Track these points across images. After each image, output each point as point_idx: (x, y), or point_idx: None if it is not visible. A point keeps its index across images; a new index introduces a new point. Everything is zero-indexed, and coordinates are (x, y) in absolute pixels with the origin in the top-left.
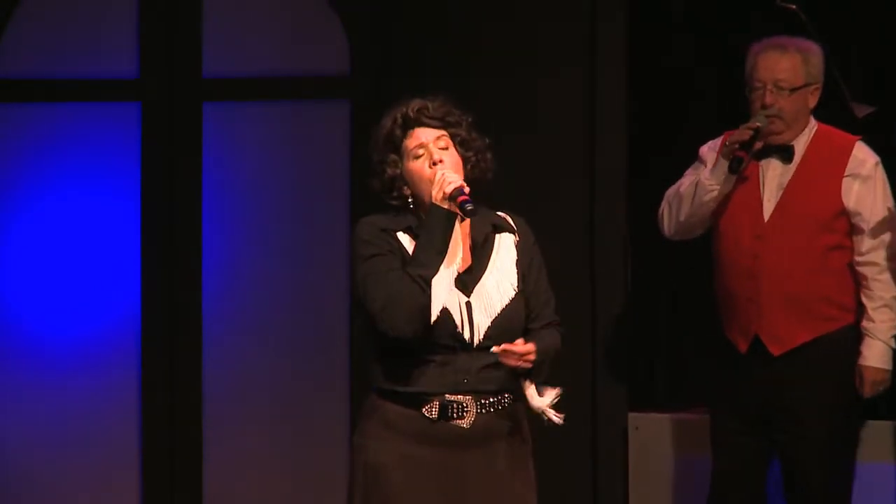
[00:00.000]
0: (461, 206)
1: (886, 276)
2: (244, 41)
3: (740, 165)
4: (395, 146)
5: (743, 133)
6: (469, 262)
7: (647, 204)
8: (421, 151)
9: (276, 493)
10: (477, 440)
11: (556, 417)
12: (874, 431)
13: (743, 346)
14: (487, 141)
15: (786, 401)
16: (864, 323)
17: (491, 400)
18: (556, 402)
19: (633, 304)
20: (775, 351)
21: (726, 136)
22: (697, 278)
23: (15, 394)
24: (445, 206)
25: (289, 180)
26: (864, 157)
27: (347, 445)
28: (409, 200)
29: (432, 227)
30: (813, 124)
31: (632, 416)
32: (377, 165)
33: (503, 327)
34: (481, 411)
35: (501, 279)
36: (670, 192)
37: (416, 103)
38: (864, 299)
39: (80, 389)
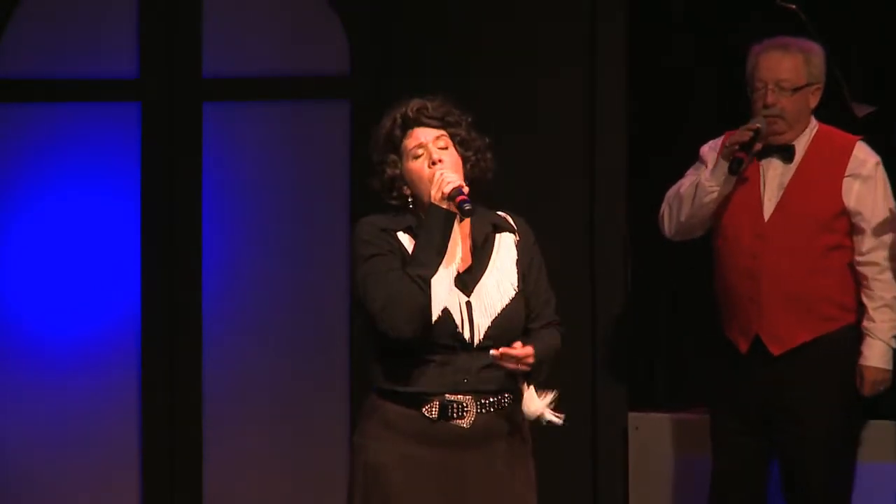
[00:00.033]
0: (459, 205)
1: (887, 275)
2: (244, 41)
3: (740, 167)
4: (395, 146)
5: (743, 134)
6: (469, 261)
7: (647, 204)
8: (420, 151)
9: (276, 493)
10: (477, 440)
11: (555, 418)
12: (876, 431)
13: (743, 346)
14: (487, 141)
15: (786, 401)
16: (865, 323)
17: (491, 400)
18: (554, 404)
19: (633, 304)
20: (775, 351)
21: (727, 136)
22: (697, 278)
23: (15, 394)
24: (444, 206)
25: (289, 180)
26: (864, 157)
27: (347, 445)
28: (409, 200)
29: (431, 226)
30: (814, 124)
31: (632, 416)
32: (377, 165)
33: (503, 327)
34: (481, 411)
35: (501, 279)
36: (671, 192)
37: (415, 103)
38: (864, 299)
39: (80, 389)
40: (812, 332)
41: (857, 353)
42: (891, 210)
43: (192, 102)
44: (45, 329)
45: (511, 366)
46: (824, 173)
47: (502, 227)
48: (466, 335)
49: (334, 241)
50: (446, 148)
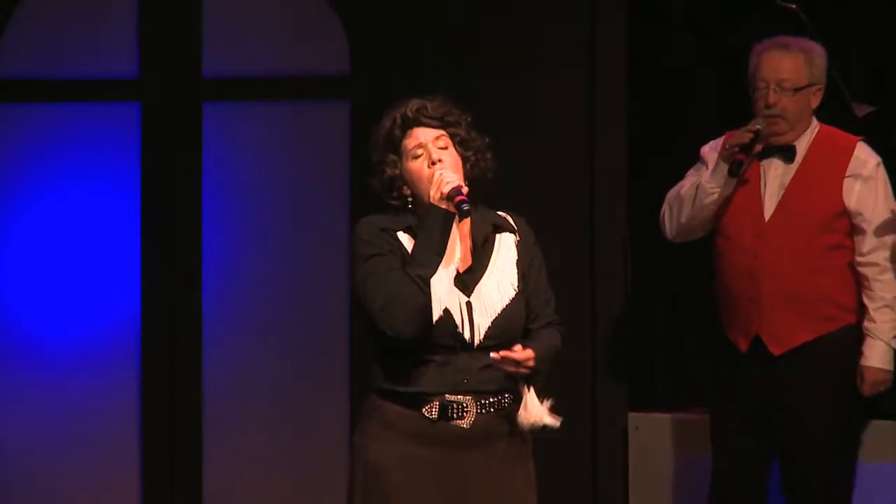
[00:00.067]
0: (458, 206)
1: (887, 276)
2: (244, 41)
3: (740, 169)
4: (395, 146)
5: (743, 136)
6: (469, 261)
7: (647, 204)
8: (420, 151)
9: (276, 493)
10: (477, 440)
11: (554, 421)
12: (876, 431)
13: (743, 346)
14: (487, 140)
15: (786, 401)
16: (866, 323)
17: (491, 400)
18: (552, 406)
19: (633, 304)
20: (776, 351)
21: (728, 137)
22: (697, 278)
23: (15, 394)
24: (443, 206)
25: (289, 180)
26: (865, 157)
27: (347, 445)
28: (409, 200)
29: (430, 226)
30: (815, 125)
31: (632, 416)
32: (377, 165)
33: (503, 327)
34: (481, 411)
35: (502, 279)
36: (671, 194)
37: (415, 103)
38: (865, 300)
39: (80, 389)
40: (812, 332)
41: (858, 353)
42: (892, 211)
43: (192, 102)
44: (45, 329)
45: (511, 369)
46: (825, 174)
47: (503, 227)
48: (466, 335)
49: (334, 241)
50: (446, 148)
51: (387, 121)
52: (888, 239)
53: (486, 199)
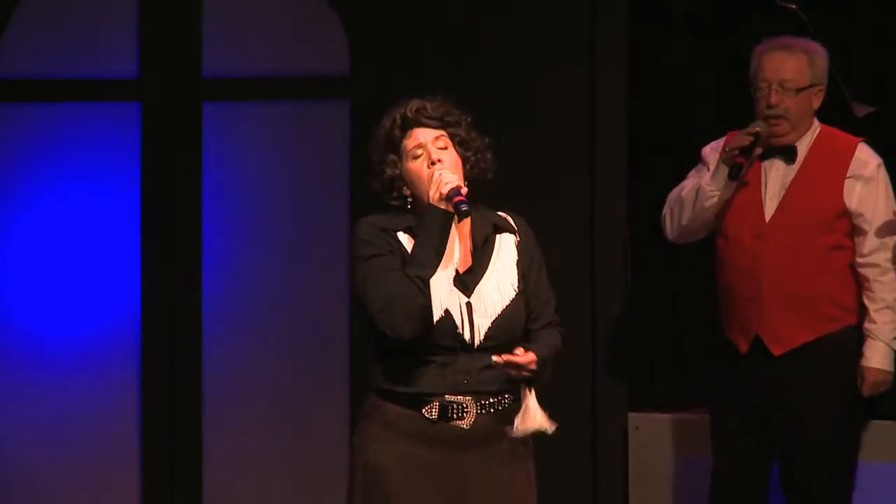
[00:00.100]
0: (456, 206)
1: (888, 277)
2: (244, 41)
3: (740, 172)
4: (395, 146)
5: (743, 139)
6: (469, 262)
7: (647, 204)
8: (420, 151)
9: (276, 493)
10: (477, 441)
11: (550, 426)
12: (876, 431)
13: (743, 346)
14: (487, 140)
15: (786, 401)
16: (866, 324)
17: (491, 401)
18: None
19: (633, 304)
20: (776, 351)
21: (729, 137)
22: (697, 278)
23: (15, 394)
24: (442, 207)
25: (289, 180)
26: (866, 158)
27: (347, 445)
28: (409, 200)
29: (429, 227)
30: (816, 126)
31: (632, 416)
32: (377, 166)
33: (503, 328)
34: (481, 412)
35: (502, 280)
36: (672, 195)
37: (414, 103)
38: (865, 300)
39: (80, 389)
40: (813, 332)
41: (858, 353)
42: (893, 212)
43: (192, 102)
44: (45, 329)
45: (514, 373)
46: (826, 174)
47: (503, 227)
48: (467, 336)
49: (334, 241)
50: (446, 148)
51: (387, 121)
52: (889, 240)
53: (486, 199)
